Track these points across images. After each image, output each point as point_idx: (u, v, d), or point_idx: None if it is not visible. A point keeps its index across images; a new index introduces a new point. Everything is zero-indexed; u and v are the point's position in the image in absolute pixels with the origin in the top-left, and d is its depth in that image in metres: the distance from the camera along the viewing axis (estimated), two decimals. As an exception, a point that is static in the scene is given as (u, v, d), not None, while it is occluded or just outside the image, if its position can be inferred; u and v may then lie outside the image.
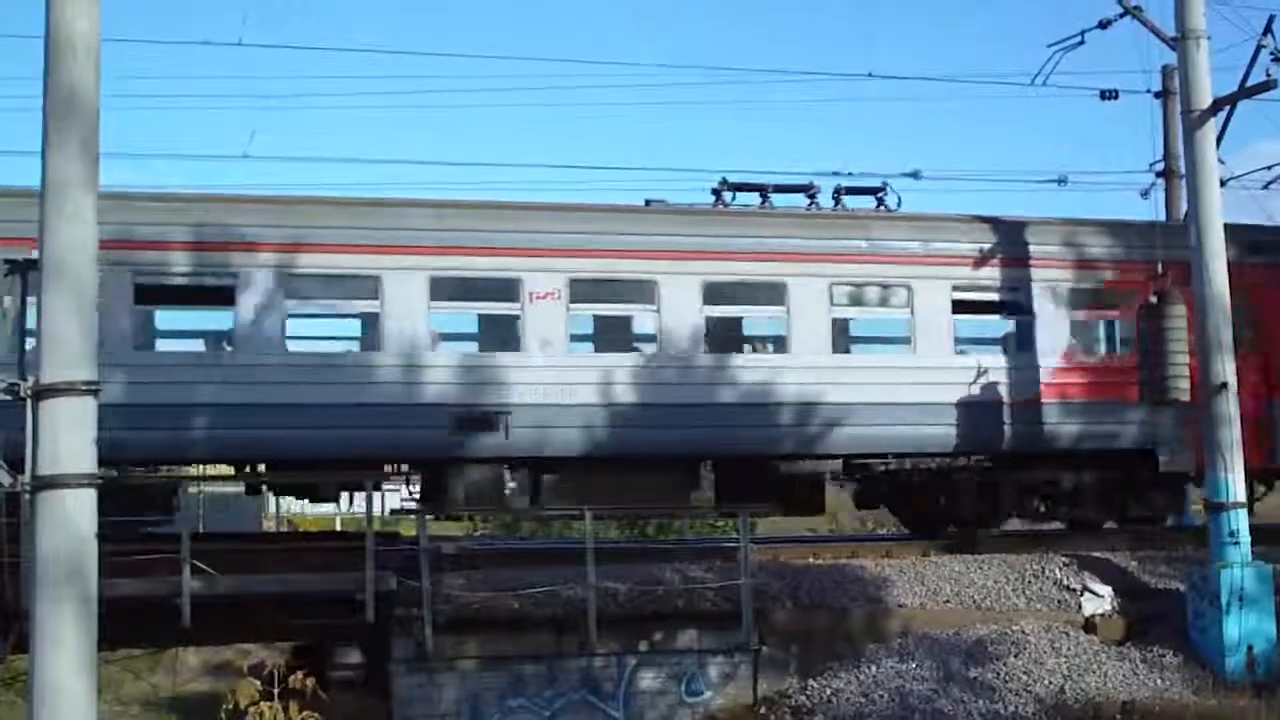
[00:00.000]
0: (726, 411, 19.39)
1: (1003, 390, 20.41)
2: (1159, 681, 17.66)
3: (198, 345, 19.91)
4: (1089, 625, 18.78)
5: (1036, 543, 20.97)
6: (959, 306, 20.63)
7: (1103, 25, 22.56)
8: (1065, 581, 19.18)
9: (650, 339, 20.01)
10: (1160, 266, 20.04)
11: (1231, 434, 18.55)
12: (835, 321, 20.32)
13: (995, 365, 20.61)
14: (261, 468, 19.26)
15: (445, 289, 18.89)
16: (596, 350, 20.53)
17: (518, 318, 18.96)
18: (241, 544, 19.01)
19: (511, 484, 18.89)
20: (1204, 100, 19.02)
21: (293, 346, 18.67)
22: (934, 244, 20.61)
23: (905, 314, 20.46)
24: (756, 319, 21.29)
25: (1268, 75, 19.46)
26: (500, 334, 19.56)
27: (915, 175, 25.27)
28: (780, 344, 20.21)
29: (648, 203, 20.70)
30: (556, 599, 17.05)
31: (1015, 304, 21.00)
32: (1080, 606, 18.92)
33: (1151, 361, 19.70)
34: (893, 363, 20.69)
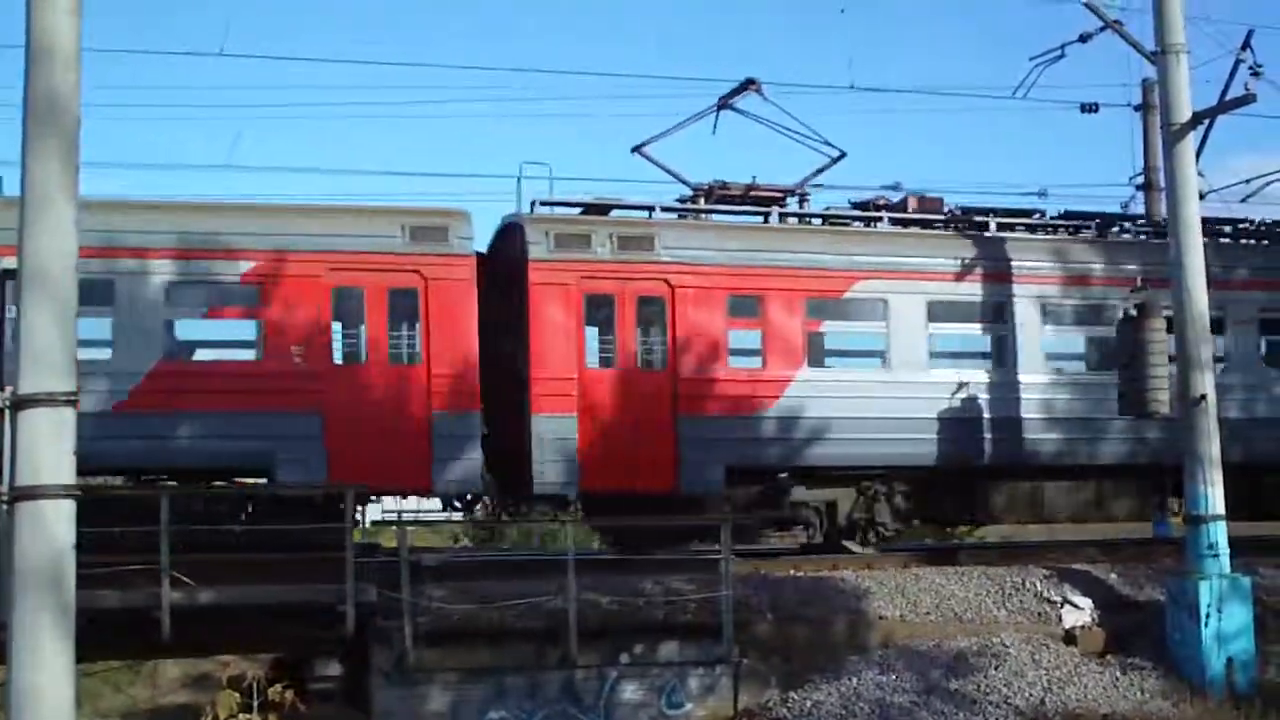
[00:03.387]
0: None
1: None
2: (1139, 694, 17.71)
3: None
4: (1069, 637, 18.81)
5: (1017, 555, 21.04)
6: None
7: (1083, 39, 22.68)
8: (1045, 594, 19.21)
9: None
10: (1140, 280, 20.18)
11: (1211, 447, 18.62)
12: None
13: None
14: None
15: None
16: None
17: None
18: (221, 555, 18.93)
19: None
20: (1183, 114, 19.11)
21: None
22: None
23: None
24: None
25: (1246, 89, 19.59)
26: None
27: (895, 187, 25.32)
28: None
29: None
30: (538, 610, 17.02)
31: None
32: (1060, 619, 18.95)
33: (1131, 374, 19.79)
34: None
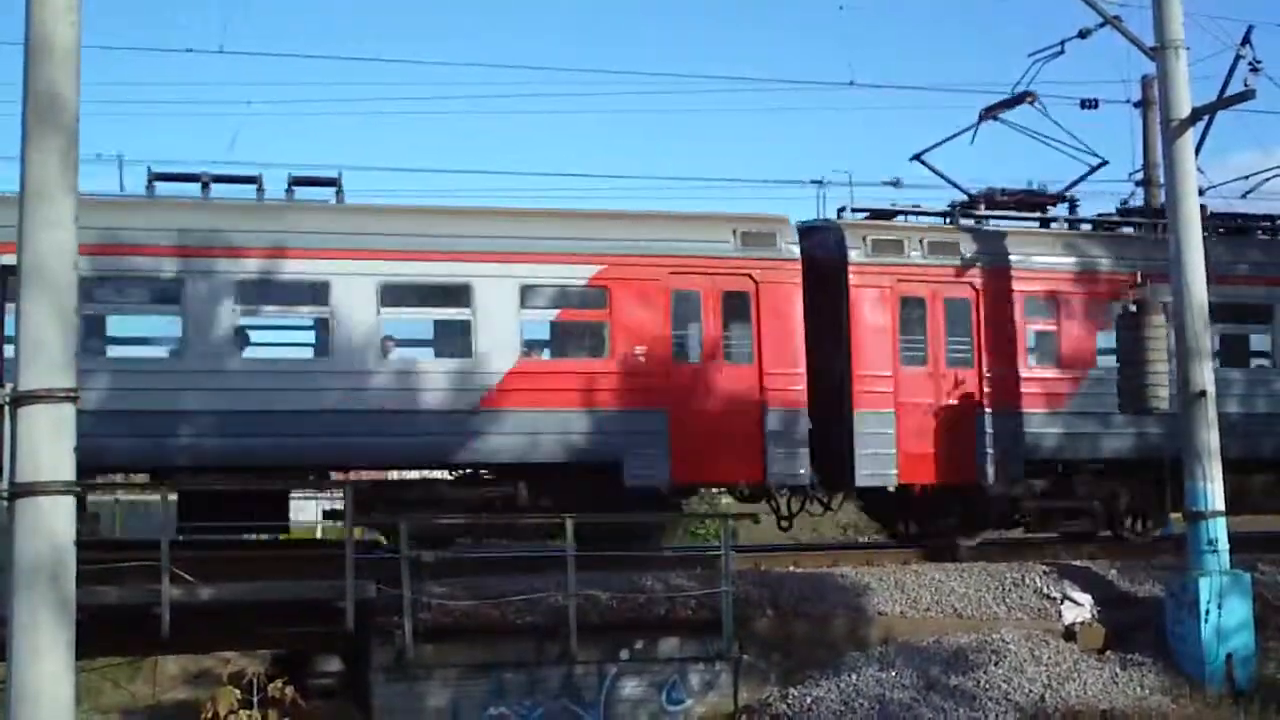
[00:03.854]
0: None
1: None
2: (1138, 690, 17.72)
3: None
4: (1069, 633, 18.83)
5: (1017, 551, 21.07)
6: None
7: (1082, 35, 22.60)
8: (1045, 590, 19.22)
9: None
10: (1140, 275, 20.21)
11: (1211, 442, 18.61)
12: None
13: None
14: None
15: None
16: None
17: None
18: (222, 551, 18.93)
19: None
20: (1183, 110, 19.10)
21: None
22: None
23: None
24: None
25: (1246, 85, 19.57)
26: None
27: (896, 184, 25.30)
28: None
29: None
30: (537, 607, 17.03)
31: None
32: (1060, 615, 18.97)
33: (1130, 370, 19.78)
34: None
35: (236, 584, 15.96)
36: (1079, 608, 19.09)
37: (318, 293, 18.82)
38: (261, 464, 18.25)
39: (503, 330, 19.24)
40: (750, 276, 20.01)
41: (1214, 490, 18.52)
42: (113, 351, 19.11)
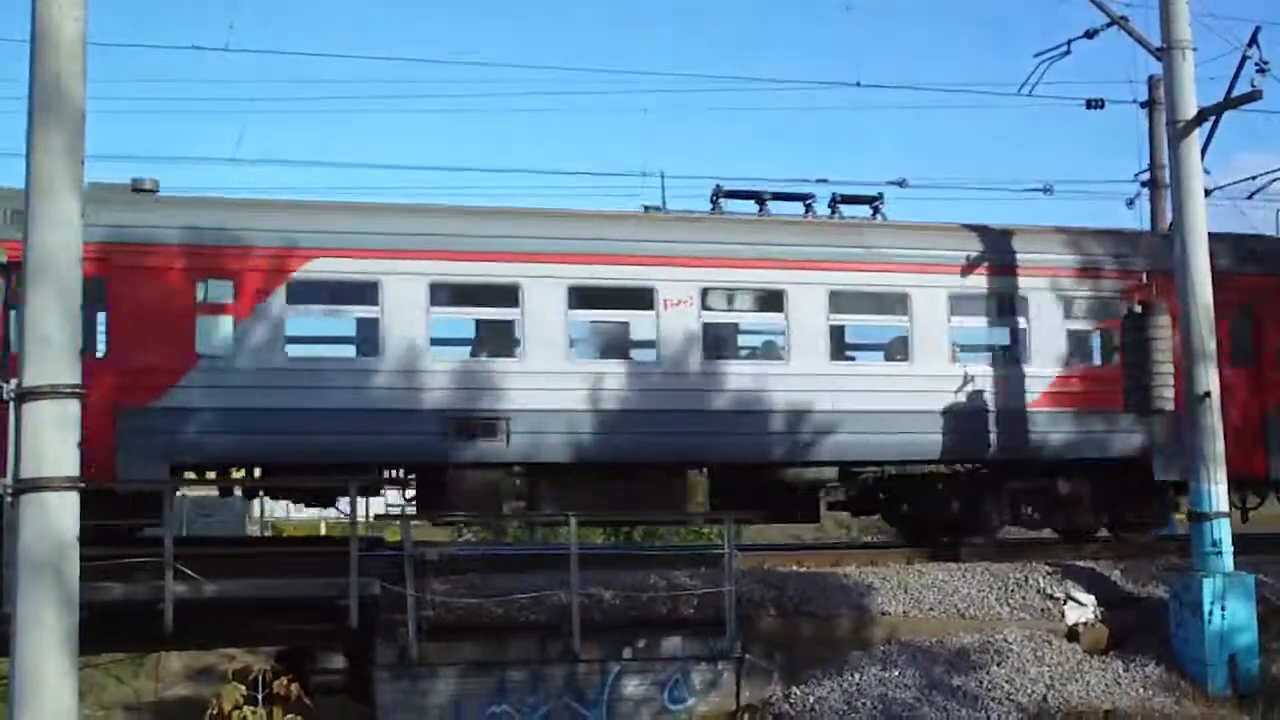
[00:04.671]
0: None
1: None
2: (1141, 691, 17.71)
3: None
4: (1072, 634, 18.80)
5: (1020, 551, 21.06)
6: None
7: (1089, 35, 22.63)
8: (1048, 590, 19.21)
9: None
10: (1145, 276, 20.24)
11: (1215, 444, 18.60)
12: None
13: None
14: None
15: None
16: None
17: None
18: (226, 548, 18.97)
19: None
20: (1189, 111, 19.07)
21: None
22: None
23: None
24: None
25: (1253, 86, 19.53)
26: None
27: (901, 184, 25.36)
28: None
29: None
30: (541, 605, 17.04)
31: None
32: (1063, 615, 18.95)
33: (1136, 371, 19.77)
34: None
35: (240, 581, 16.00)
36: (1082, 608, 19.07)
37: (900, 303, 20.65)
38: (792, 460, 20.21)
39: (1052, 339, 21.25)
40: (1251, 290, 21.67)
41: (1217, 492, 18.50)
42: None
